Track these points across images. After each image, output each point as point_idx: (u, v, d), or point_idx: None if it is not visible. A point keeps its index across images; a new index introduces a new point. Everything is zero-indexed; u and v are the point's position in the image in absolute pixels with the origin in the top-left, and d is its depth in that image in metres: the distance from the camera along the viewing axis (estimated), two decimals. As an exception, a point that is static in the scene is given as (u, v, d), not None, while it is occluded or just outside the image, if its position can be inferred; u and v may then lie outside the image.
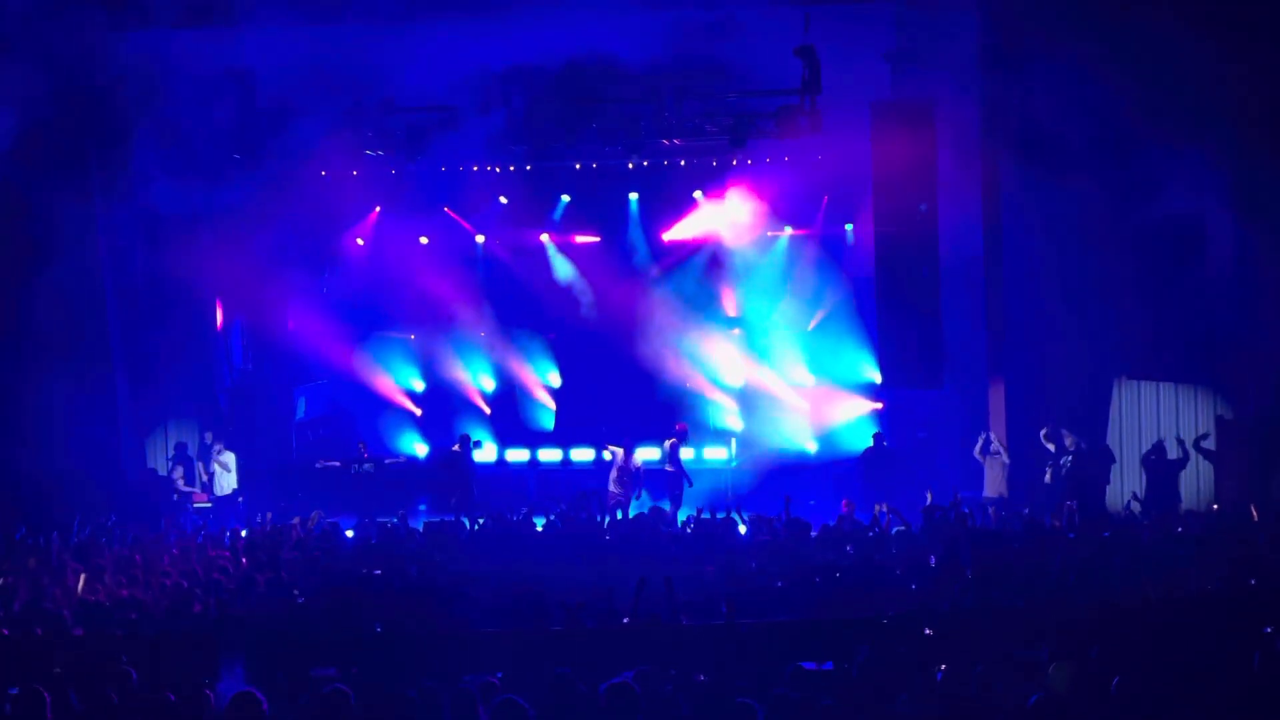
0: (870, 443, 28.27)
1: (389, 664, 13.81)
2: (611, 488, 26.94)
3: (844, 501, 23.60)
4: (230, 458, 27.65)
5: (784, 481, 27.33)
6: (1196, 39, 22.14)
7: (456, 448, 28.45)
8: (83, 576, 17.90)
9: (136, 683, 11.98)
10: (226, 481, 27.57)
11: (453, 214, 31.79)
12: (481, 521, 22.91)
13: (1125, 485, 25.84)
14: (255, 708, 9.90)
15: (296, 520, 23.00)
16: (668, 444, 27.43)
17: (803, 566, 18.39)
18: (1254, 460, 24.66)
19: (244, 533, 22.42)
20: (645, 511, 23.71)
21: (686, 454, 28.05)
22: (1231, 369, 25.24)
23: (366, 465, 28.39)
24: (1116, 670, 10.86)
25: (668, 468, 27.29)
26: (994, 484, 26.36)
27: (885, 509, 22.20)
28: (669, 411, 29.63)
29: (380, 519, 23.36)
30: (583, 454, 30.63)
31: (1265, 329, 24.52)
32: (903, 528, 21.22)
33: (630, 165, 29.94)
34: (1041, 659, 12.15)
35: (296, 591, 17.57)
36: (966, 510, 22.07)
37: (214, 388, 28.90)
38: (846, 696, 11.21)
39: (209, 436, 28.13)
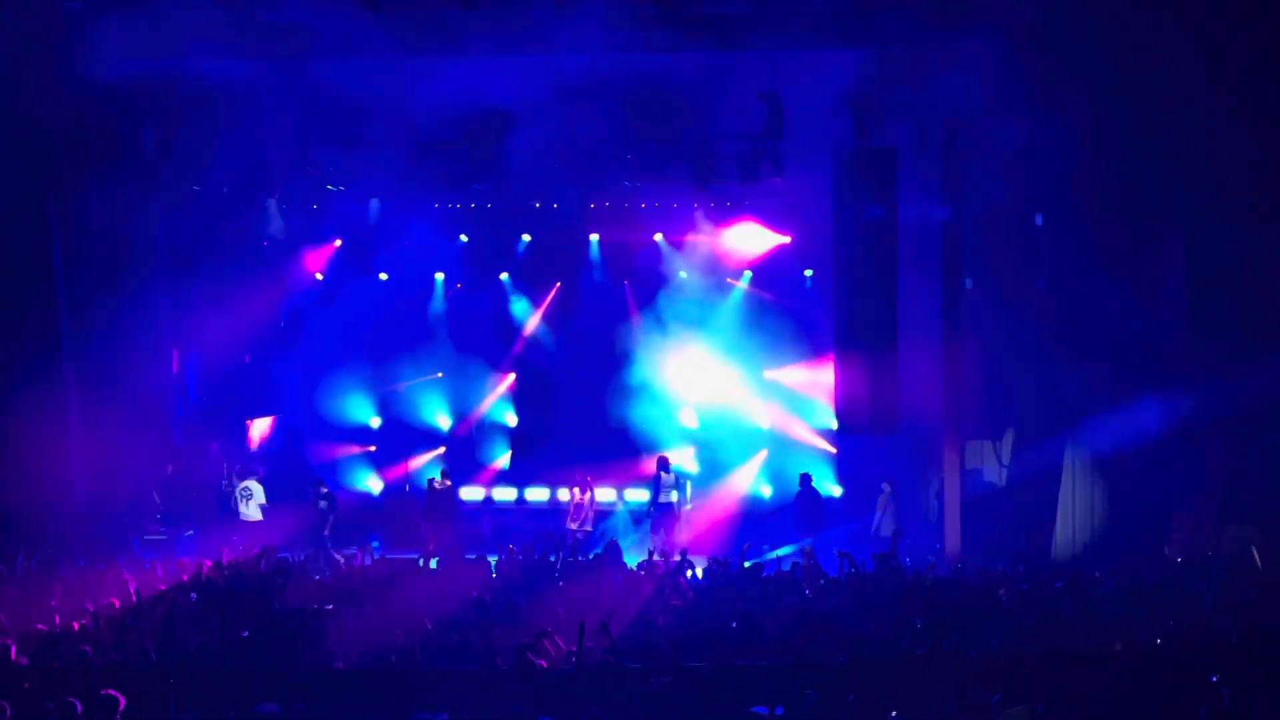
0: (800, 484, 28.32)
1: (335, 701, 13.73)
2: (569, 525, 27.11)
3: (802, 549, 23.66)
4: (254, 487, 27.71)
5: (739, 525, 27.39)
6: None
7: (446, 481, 28.49)
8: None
9: (81, 714, 11.87)
10: (250, 511, 27.60)
11: (408, 253, 31.69)
12: (437, 560, 22.86)
13: (1077, 537, 25.87)
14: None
15: (256, 554, 22.93)
16: (669, 477, 27.58)
17: (755, 610, 18.36)
18: (1206, 511, 24.78)
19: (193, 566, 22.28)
20: (600, 551, 23.72)
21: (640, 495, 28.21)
22: (1181, 424, 25.38)
23: (322, 502, 28.21)
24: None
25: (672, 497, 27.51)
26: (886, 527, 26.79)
27: (840, 554, 22.24)
28: (624, 453, 29.56)
29: (335, 554, 23.29)
30: (538, 494, 30.60)
31: (1218, 383, 24.68)
32: (854, 572, 21.23)
33: (592, 205, 29.97)
34: (991, 704, 12.16)
35: (245, 631, 17.44)
36: (931, 561, 22.12)
37: (167, 419, 28.73)
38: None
39: (225, 468, 28.23)
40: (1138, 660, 15.17)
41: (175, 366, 29.14)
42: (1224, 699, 11.96)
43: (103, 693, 12.42)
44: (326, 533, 27.45)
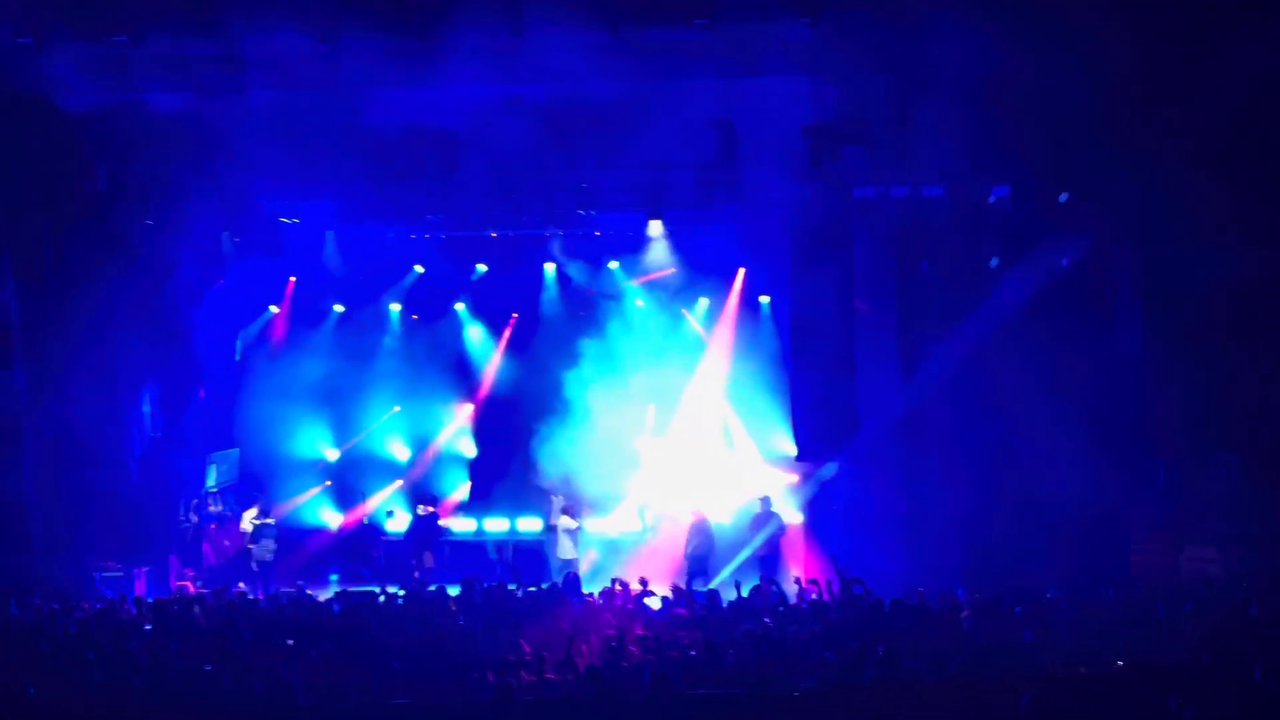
0: (759, 508, 28.35)
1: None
2: (567, 555, 27.31)
3: (763, 578, 23.71)
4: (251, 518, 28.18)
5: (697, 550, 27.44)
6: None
7: (429, 508, 28.61)
8: None
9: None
10: (263, 551, 27.76)
11: (364, 285, 31.65)
12: (402, 593, 22.80)
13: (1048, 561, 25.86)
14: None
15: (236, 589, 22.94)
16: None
17: (716, 639, 18.35)
18: (1165, 535, 24.92)
19: (151, 600, 22.19)
20: (559, 581, 23.73)
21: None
22: (1138, 446, 25.54)
23: (266, 545, 28.17)
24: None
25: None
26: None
27: (802, 581, 22.29)
28: (583, 482, 29.54)
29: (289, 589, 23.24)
30: (497, 524, 30.57)
31: (1166, 406, 24.87)
32: (817, 599, 21.25)
33: (547, 235, 30.01)
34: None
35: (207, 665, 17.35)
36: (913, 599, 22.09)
37: (124, 456, 28.55)
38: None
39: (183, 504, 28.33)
40: (1097, 683, 15.22)
41: (131, 402, 28.97)
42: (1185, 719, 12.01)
43: None
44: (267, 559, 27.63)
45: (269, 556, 28.06)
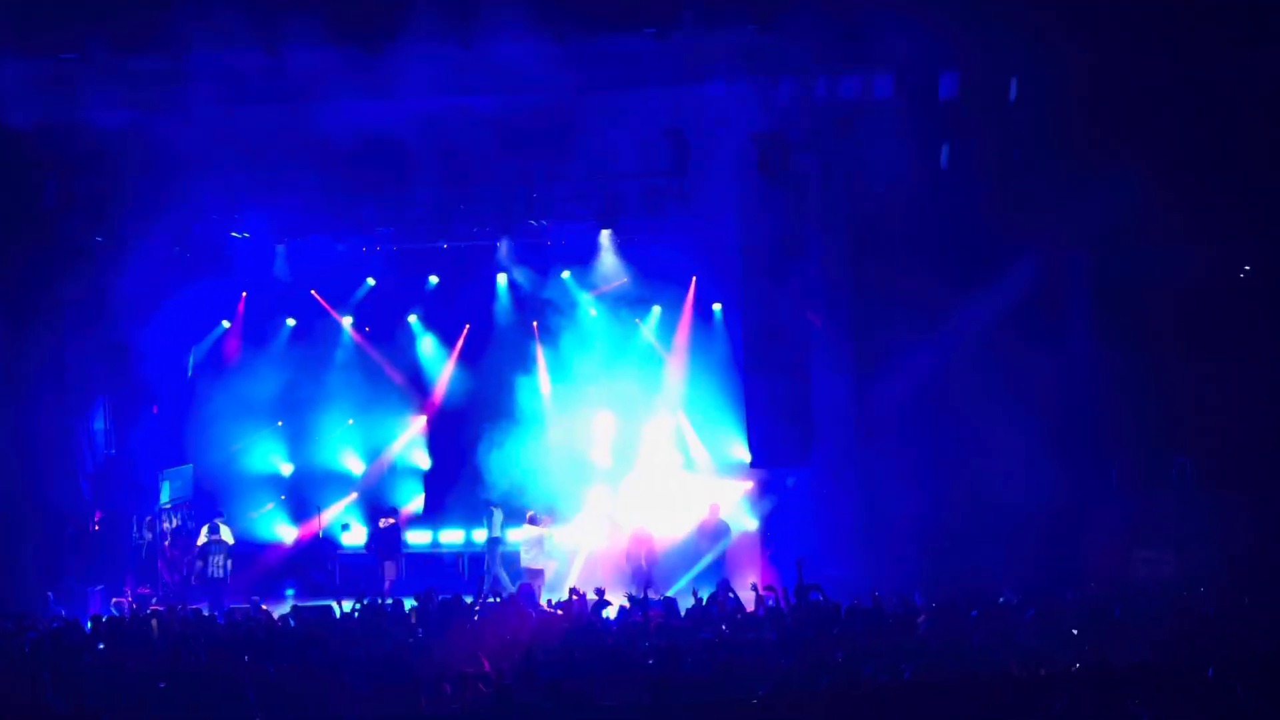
0: (712, 517, 28.39)
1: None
2: (534, 564, 27.32)
3: (720, 586, 23.69)
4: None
5: (655, 560, 27.47)
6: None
7: (390, 520, 28.56)
8: None
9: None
10: (215, 567, 27.73)
11: (318, 297, 31.54)
12: (357, 607, 22.70)
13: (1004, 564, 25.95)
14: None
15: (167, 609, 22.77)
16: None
17: (673, 646, 18.32)
18: (1118, 536, 25.05)
19: (104, 619, 22.05)
20: (515, 591, 23.68)
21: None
22: (1092, 449, 25.67)
23: (217, 560, 28.06)
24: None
25: None
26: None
27: (759, 588, 22.28)
28: (539, 492, 29.47)
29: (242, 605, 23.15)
30: (451, 535, 30.51)
31: (1120, 408, 25.01)
32: (774, 606, 21.23)
33: (499, 245, 29.97)
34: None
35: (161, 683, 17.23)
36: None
37: (77, 474, 28.38)
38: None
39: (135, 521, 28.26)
40: (1054, 685, 15.25)
41: (83, 419, 28.80)
42: (1141, 720, 12.05)
43: None
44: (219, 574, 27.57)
45: (221, 572, 27.92)
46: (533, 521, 28.24)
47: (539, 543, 27.93)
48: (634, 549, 28.05)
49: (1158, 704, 12.30)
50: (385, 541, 29.24)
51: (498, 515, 28.86)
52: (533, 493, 29.23)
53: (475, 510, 29.91)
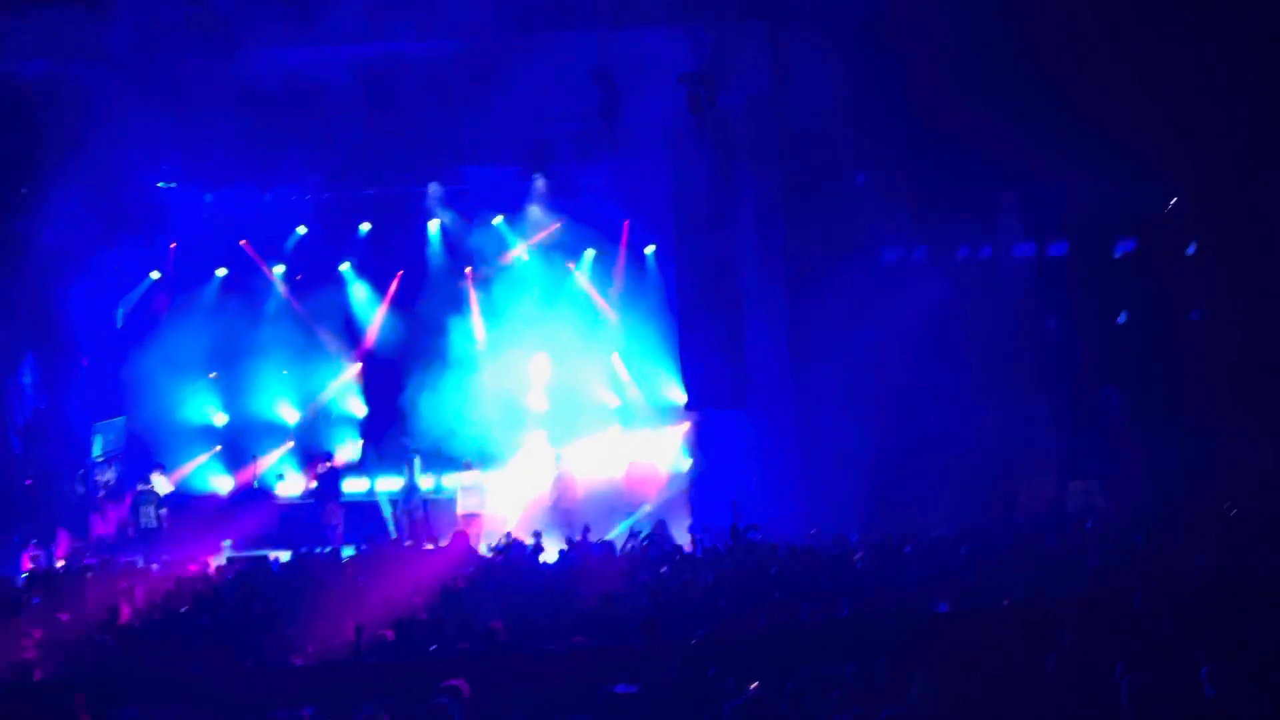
0: (648, 458, 28.49)
1: (195, 703, 13.53)
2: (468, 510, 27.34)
3: (656, 528, 23.82)
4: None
5: (591, 504, 27.49)
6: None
7: (327, 464, 28.46)
8: None
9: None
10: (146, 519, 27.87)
11: (248, 247, 31.32)
12: (289, 556, 22.69)
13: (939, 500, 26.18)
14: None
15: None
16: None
17: (612, 590, 18.40)
18: (1051, 470, 25.32)
19: (41, 573, 21.94)
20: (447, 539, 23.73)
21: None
22: (1026, 385, 25.90)
23: (147, 512, 27.97)
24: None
25: None
26: None
27: (697, 530, 22.43)
28: (474, 438, 29.45)
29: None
30: (388, 483, 30.47)
31: (1054, 344, 25.24)
32: (712, 548, 21.36)
33: (430, 192, 29.83)
34: (846, 674, 12.29)
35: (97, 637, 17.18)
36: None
37: (6, 428, 28.16)
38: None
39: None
40: (987, 619, 15.43)
41: (10, 373, 28.55)
42: (1068, 649, 12.18)
43: None
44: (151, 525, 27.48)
45: (153, 524, 27.77)
46: (467, 467, 28.25)
47: (475, 489, 27.92)
48: (559, 494, 28.05)
49: (1087, 634, 12.46)
50: (326, 486, 29.08)
51: (417, 463, 28.83)
52: (466, 439, 29.19)
53: (404, 458, 29.82)
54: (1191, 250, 26.84)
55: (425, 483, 29.10)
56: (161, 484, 28.34)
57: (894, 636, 14.22)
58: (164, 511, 28.08)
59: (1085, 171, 25.06)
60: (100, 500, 29.32)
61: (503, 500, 28.77)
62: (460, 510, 27.84)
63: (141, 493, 28.07)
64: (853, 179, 26.53)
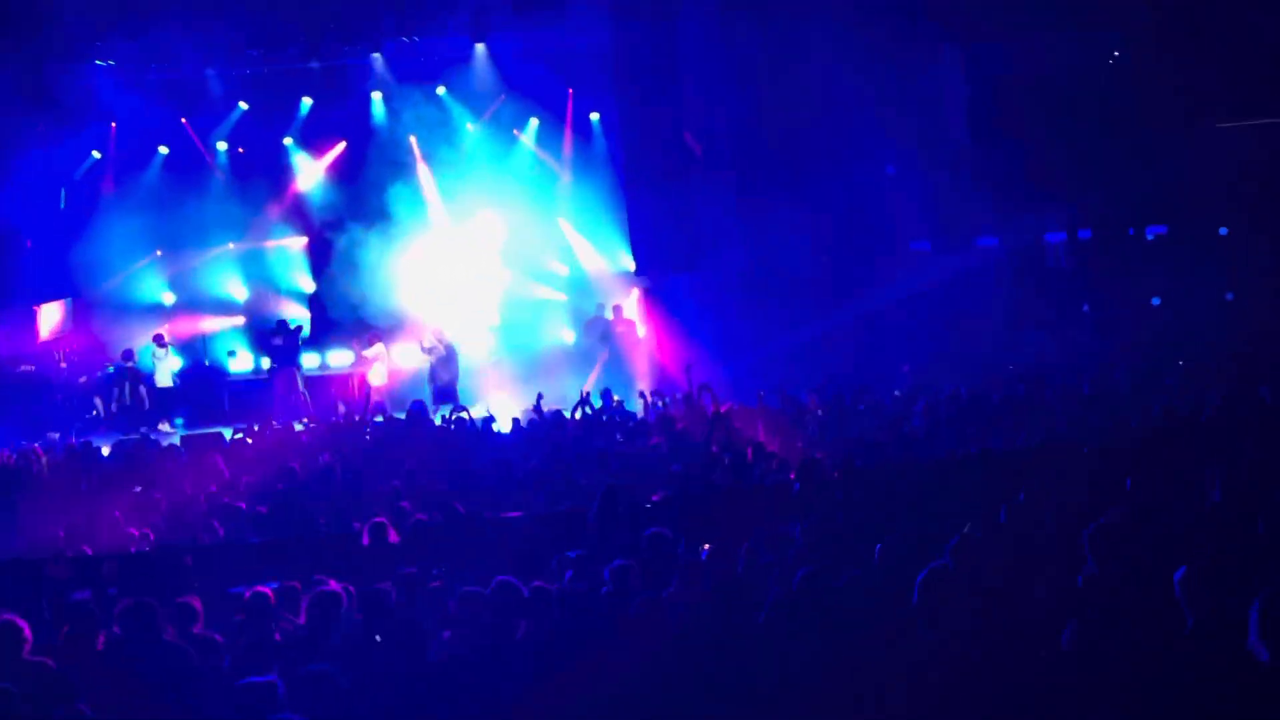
0: (600, 321, 28.42)
1: (149, 582, 13.51)
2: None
3: (603, 393, 23.91)
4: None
5: (543, 374, 27.39)
6: None
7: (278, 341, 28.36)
8: None
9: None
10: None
11: (188, 126, 30.95)
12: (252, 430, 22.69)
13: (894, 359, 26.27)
14: (16, 635, 9.63)
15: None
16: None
17: (566, 457, 18.46)
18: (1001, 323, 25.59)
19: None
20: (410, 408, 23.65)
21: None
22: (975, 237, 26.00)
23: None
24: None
25: None
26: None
27: (648, 395, 22.53)
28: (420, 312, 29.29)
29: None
30: (340, 358, 30.41)
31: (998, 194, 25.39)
32: (664, 411, 21.43)
33: (373, 63, 29.53)
34: (794, 533, 12.38)
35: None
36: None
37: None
38: (618, 584, 11.16)
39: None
40: (939, 471, 15.59)
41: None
42: (1020, 500, 12.27)
43: None
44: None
45: (129, 401, 27.72)
46: (378, 340, 28.03)
47: (374, 358, 27.82)
48: (434, 360, 27.74)
49: (1037, 484, 12.56)
50: (284, 356, 28.68)
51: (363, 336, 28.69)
52: (413, 310, 29.10)
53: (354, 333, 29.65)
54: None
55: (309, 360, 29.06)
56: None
57: (848, 492, 14.34)
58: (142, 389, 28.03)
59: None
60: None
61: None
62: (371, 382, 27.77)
63: (120, 370, 27.92)
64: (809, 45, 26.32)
